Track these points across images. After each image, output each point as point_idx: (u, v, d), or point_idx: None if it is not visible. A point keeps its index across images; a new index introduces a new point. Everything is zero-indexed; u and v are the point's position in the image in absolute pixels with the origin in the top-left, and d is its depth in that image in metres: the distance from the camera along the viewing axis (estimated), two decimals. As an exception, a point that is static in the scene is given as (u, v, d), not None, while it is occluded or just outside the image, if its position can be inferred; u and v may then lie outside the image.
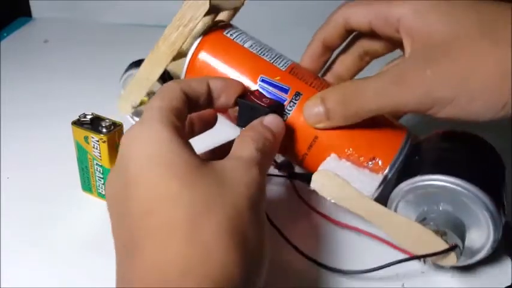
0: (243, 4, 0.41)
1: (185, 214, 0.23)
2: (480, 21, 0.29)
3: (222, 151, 0.35)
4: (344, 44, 0.38)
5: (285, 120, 0.33)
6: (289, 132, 0.34)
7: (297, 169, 0.39)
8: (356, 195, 0.32)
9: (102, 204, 0.37)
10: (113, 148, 0.36)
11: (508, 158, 0.34)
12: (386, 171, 0.33)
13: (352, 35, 0.37)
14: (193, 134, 0.36)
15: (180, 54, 0.37)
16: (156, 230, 0.23)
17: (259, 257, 0.24)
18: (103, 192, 0.39)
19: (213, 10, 0.36)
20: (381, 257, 0.31)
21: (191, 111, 0.31)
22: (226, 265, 0.22)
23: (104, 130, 0.36)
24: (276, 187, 0.41)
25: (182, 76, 0.36)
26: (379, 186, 0.32)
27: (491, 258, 0.33)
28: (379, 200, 0.32)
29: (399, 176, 0.33)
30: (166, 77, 0.42)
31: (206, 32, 0.36)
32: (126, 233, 0.24)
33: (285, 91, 0.34)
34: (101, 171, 0.38)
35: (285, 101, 0.34)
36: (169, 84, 0.30)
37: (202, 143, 0.35)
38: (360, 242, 0.35)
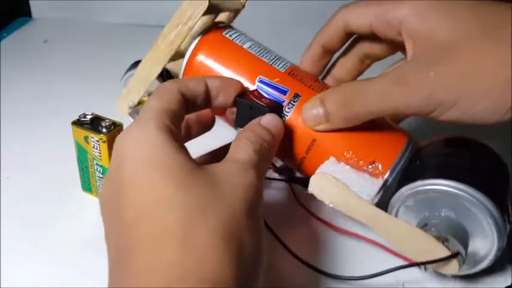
0: (243, 7, 0.41)
1: (179, 218, 0.23)
2: (482, 23, 0.29)
3: (219, 154, 0.34)
4: (344, 47, 0.38)
5: (283, 122, 0.33)
6: (287, 134, 0.33)
7: (297, 173, 0.39)
8: (355, 199, 0.31)
9: (102, 204, 0.37)
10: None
11: (508, 162, 0.34)
12: (387, 175, 0.32)
13: (352, 38, 0.37)
14: (191, 136, 0.35)
15: (179, 55, 0.37)
16: (150, 235, 0.22)
17: (256, 262, 0.24)
18: (103, 192, 0.39)
19: (213, 10, 0.36)
20: (381, 264, 0.31)
21: (189, 112, 0.31)
22: (221, 270, 0.22)
23: (104, 130, 0.36)
24: (274, 191, 0.41)
25: (180, 76, 0.36)
26: (379, 190, 0.32)
27: (493, 267, 0.32)
28: (379, 205, 0.32)
29: (400, 181, 0.32)
30: (165, 75, 0.42)
31: (205, 32, 0.35)
32: (119, 239, 0.24)
33: (284, 93, 0.34)
34: (101, 171, 0.38)
35: (283, 102, 0.33)
36: (166, 84, 0.30)
37: (199, 145, 0.35)
38: (360, 248, 0.35)
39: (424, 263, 0.30)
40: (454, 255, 0.29)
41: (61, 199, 0.40)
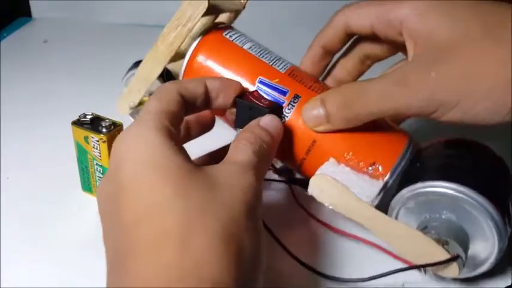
0: (244, 7, 0.41)
1: (178, 221, 0.22)
2: (483, 23, 0.29)
3: (219, 155, 0.34)
4: (345, 47, 0.37)
5: (283, 123, 0.33)
6: (287, 136, 0.33)
7: (297, 174, 0.38)
8: (355, 201, 0.31)
9: (102, 204, 0.37)
10: (113, 148, 0.36)
11: (509, 162, 0.33)
12: (387, 177, 0.32)
13: (353, 39, 0.37)
14: (190, 137, 0.35)
15: (179, 55, 0.37)
16: (149, 237, 0.22)
17: (255, 263, 0.24)
18: (103, 192, 0.39)
19: (212, 10, 0.35)
20: (380, 266, 0.31)
21: (188, 113, 0.31)
22: (220, 272, 0.22)
23: (104, 130, 0.36)
24: (274, 192, 0.41)
25: (180, 77, 0.36)
26: (379, 192, 0.32)
27: (493, 268, 0.31)
28: (379, 207, 0.32)
29: (400, 182, 0.32)
30: (165, 76, 0.42)
31: (205, 33, 0.35)
32: (117, 240, 0.24)
33: (284, 93, 0.34)
34: (101, 171, 0.38)
35: (283, 103, 0.33)
36: (166, 86, 0.30)
37: (199, 146, 0.35)
38: (359, 250, 0.35)
39: (424, 266, 0.30)
40: (454, 258, 0.29)
41: (61, 199, 0.40)
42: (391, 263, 0.31)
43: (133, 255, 0.22)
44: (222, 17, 0.41)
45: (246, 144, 0.28)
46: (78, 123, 0.37)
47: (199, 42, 0.35)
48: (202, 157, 0.36)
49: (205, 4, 0.34)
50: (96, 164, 0.37)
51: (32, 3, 0.80)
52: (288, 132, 0.33)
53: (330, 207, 0.32)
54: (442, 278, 0.32)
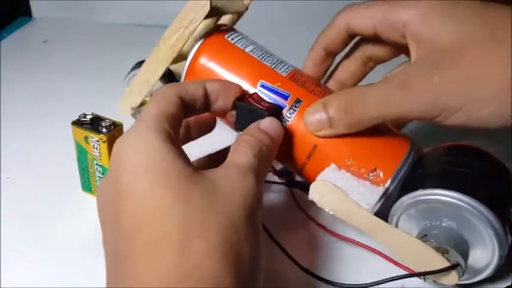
0: (246, 9, 0.40)
1: (178, 226, 0.22)
2: (486, 25, 0.29)
3: (219, 157, 0.34)
4: (347, 49, 0.37)
5: (284, 128, 0.33)
6: (288, 140, 0.33)
7: (297, 177, 0.38)
8: (355, 208, 0.31)
9: (102, 204, 0.37)
10: (113, 148, 0.36)
11: (510, 167, 0.33)
12: (388, 183, 0.32)
13: (355, 40, 0.37)
14: (191, 138, 0.35)
15: (181, 57, 0.37)
16: (149, 242, 0.22)
17: (255, 267, 0.24)
18: (103, 192, 0.39)
19: (214, 13, 0.35)
20: (379, 271, 0.31)
21: (188, 116, 0.30)
22: (220, 277, 0.22)
23: (104, 130, 0.36)
24: (274, 194, 0.41)
25: (182, 79, 0.36)
26: (380, 199, 0.32)
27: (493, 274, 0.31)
28: (379, 213, 0.31)
29: (401, 189, 0.32)
30: (167, 77, 0.42)
31: (207, 35, 0.35)
32: (117, 245, 0.24)
33: (285, 97, 0.33)
34: (101, 171, 0.38)
35: (284, 107, 0.33)
36: (165, 89, 0.29)
37: (199, 148, 0.35)
38: (359, 255, 0.35)
39: (423, 274, 0.30)
40: (453, 266, 0.29)
41: (61, 199, 0.40)
42: (391, 268, 0.31)
43: (133, 258, 0.22)
44: (225, 19, 0.41)
45: (246, 147, 0.28)
46: (78, 123, 0.37)
47: (201, 44, 0.35)
48: (202, 159, 0.36)
49: (207, 7, 0.34)
50: (96, 164, 0.37)
51: (32, 3, 0.80)
52: (289, 137, 0.33)
53: (331, 212, 0.32)
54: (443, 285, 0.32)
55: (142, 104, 0.41)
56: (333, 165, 0.33)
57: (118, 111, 0.40)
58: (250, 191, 0.25)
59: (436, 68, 0.29)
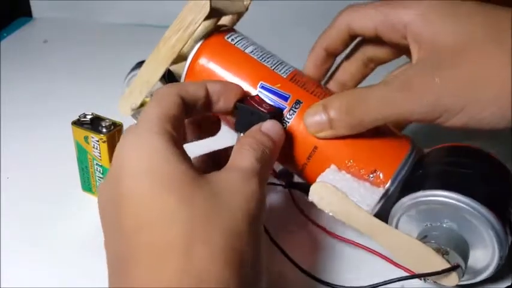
0: (246, 9, 0.40)
1: (182, 232, 0.22)
2: (488, 26, 0.29)
3: (219, 157, 0.34)
4: (348, 50, 0.37)
5: (284, 129, 0.33)
6: (289, 141, 0.33)
7: (296, 178, 0.38)
8: (355, 209, 0.31)
9: (102, 204, 0.37)
10: (113, 148, 0.36)
11: (509, 167, 0.33)
12: (388, 185, 0.32)
13: (356, 41, 0.37)
14: (194, 139, 0.35)
15: (181, 57, 0.37)
16: (152, 246, 0.22)
17: (257, 272, 0.24)
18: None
19: (214, 14, 0.35)
20: (380, 273, 0.31)
21: (188, 116, 0.30)
22: (223, 285, 0.22)
23: (104, 130, 0.36)
24: (274, 196, 0.41)
25: (182, 80, 0.36)
26: (380, 200, 0.32)
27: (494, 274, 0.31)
28: (380, 215, 0.31)
29: (401, 190, 0.32)
30: (167, 77, 0.42)
31: (207, 36, 0.35)
32: (119, 247, 0.24)
33: (285, 99, 0.33)
34: (101, 171, 0.38)
35: (284, 108, 0.33)
36: (166, 89, 0.29)
37: (199, 148, 0.35)
38: (359, 256, 0.34)
39: (423, 275, 0.30)
40: (454, 268, 0.29)
41: (61, 199, 0.40)
42: (391, 269, 0.31)
43: (135, 262, 0.22)
44: (225, 19, 0.41)
45: (248, 150, 0.28)
46: (78, 123, 0.37)
47: (201, 45, 0.35)
48: (201, 156, 0.35)
49: (207, 9, 0.34)
50: (96, 164, 0.37)
51: (32, 3, 0.80)
52: (289, 138, 0.33)
53: (330, 214, 0.32)
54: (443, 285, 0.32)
55: (142, 105, 0.41)
56: (333, 166, 0.33)
57: (118, 111, 0.40)
58: (253, 194, 0.25)
59: (437, 69, 0.29)
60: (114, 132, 0.36)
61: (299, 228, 0.38)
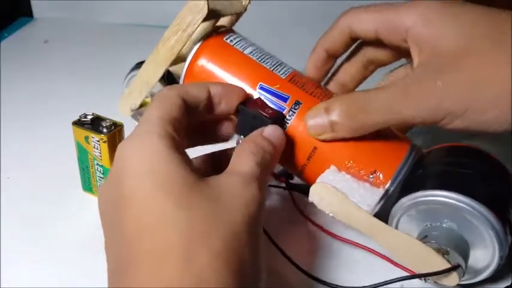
0: (245, 10, 0.40)
1: (181, 237, 0.22)
2: (489, 30, 0.29)
3: (219, 157, 0.34)
4: (348, 52, 0.37)
5: (284, 130, 0.33)
6: (288, 142, 0.33)
7: (296, 179, 0.38)
8: (355, 209, 0.31)
9: (102, 204, 0.37)
10: (114, 148, 0.36)
11: (509, 167, 0.33)
12: (388, 185, 0.32)
13: (357, 43, 0.37)
14: (203, 143, 0.35)
15: (180, 58, 0.37)
16: (150, 252, 0.22)
17: (256, 277, 0.24)
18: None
19: (212, 15, 0.35)
20: (380, 273, 0.31)
21: (190, 118, 0.30)
22: (222, 285, 0.22)
23: (105, 130, 0.36)
24: (273, 197, 0.41)
25: (181, 81, 0.36)
26: (380, 200, 0.32)
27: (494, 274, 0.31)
28: (379, 215, 0.31)
29: (401, 190, 0.32)
30: (167, 78, 0.42)
31: (206, 37, 0.35)
32: (118, 251, 0.24)
33: (284, 100, 0.33)
34: (102, 171, 0.38)
35: (284, 109, 0.33)
36: (167, 91, 0.29)
37: (198, 147, 0.35)
38: (359, 257, 0.35)
39: (424, 275, 0.30)
40: (454, 268, 0.29)
41: (61, 199, 0.40)
42: (391, 269, 0.31)
43: (136, 266, 0.22)
44: (223, 20, 0.41)
45: (249, 155, 0.28)
46: (78, 123, 0.37)
47: (200, 46, 0.35)
48: (202, 156, 0.35)
49: (205, 10, 0.34)
50: (97, 164, 0.38)
51: (33, 4, 0.80)
52: (289, 139, 0.33)
53: (330, 214, 0.32)
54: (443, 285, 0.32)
55: (142, 105, 0.41)
56: (332, 167, 0.33)
57: (118, 111, 0.40)
58: (253, 199, 0.25)
59: (439, 72, 0.29)
60: (114, 133, 0.36)
61: (299, 229, 0.38)
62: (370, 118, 0.30)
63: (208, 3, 0.33)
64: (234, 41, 0.35)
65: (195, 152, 0.34)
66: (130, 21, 0.77)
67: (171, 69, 0.41)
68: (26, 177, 0.42)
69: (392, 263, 0.32)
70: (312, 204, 0.33)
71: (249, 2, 0.40)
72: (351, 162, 0.32)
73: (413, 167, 0.33)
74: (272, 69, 0.35)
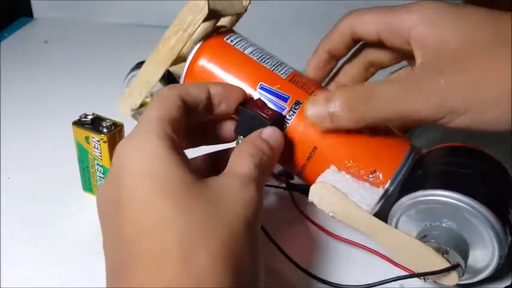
0: (245, 10, 0.40)
1: (179, 239, 0.22)
2: (491, 31, 0.29)
3: (218, 157, 0.34)
4: (349, 53, 0.37)
5: (284, 129, 0.33)
6: (288, 142, 0.33)
7: (296, 179, 0.38)
8: (355, 209, 0.31)
9: (102, 204, 0.37)
10: (114, 148, 0.36)
11: (508, 167, 0.33)
12: (387, 185, 0.32)
13: (358, 45, 0.37)
14: (205, 143, 0.35)
15: (181, 58, 0.37)
16: (149, 254, 0.22)
17: (254, 277, 0.24)
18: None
19: (213, 16, 0.35)
20: (379, 272, 0.31)
21: (190, 119, 0.30)
22: (220, 285, 0.22)
23: (105, 130, 0.36)
24: (273, 196, 0.41)
25: (181, 81, 0.36)
26: (379, 200, 0.32)
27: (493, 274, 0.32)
28: (379, 215, 0.31)
29: (401, 190, 0.32)
30: (167, 78, 0.42)
31: (206, 37, 0.35)
32: (118, 253, 0.24)
33: (285, 100, 0.33)
34: (102, 171, 0.38)
35: (284, 109, 0.33)
36: (167, 90, 0.29)
37: (198, 148, 0.35)
38: (359, 256, 0.35)
39: (423, 275, 0.30)
40: (453, 267, 0.29)
41: (61, 199, 0.40)
42: (390, 269, 0.31)
43: (135, 267, 0.22)
44: (224, 20, 0.41)
45: (247, 156, 0.28)
46: (79, 123, 0.37)
47: (200, 46, 0.35)
48: (203, 156, 0.36)
49: (205, 10, 0.34)
50: (97, 164, 0.38)
51: (33, 4, 0.80)
52: (289, 139, 0.33)
53: (330, 214, 0.32)
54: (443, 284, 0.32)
55: (142, 105, 0.41)
56: (332, 167, 0.33)
57: (118, 111, 0.40)
58: (251, 200, 0.25)
59: (442, 71, 0.29)
60: (114, 133, 0.36)
61: (298, 228, 0.38)
62: (371, 111, 0.30)
63: (208, 3, 0.33)
64: (235, 41, 0.36)
65: (197, 152, 0.34)
66: (130, 21, 0.77)
67: (172, 69, 0.41)
68: (26, 177, 0.42)
69: (391, 263, 0.32)
70: (312, 204, 0.33)
71: (249, 3, 0.40)
72: (351, 162, 0.32)
73: (413, 167, 0.33)
74: (272, 69, 0.35)
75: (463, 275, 0.30)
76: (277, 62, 0.35)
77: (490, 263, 0.30)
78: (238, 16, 0.41)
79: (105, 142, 0.36)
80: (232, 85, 0.33)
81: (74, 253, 0.35)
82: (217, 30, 0.36)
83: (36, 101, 0.55)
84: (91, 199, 0.39)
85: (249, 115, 0.32)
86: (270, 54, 0.36)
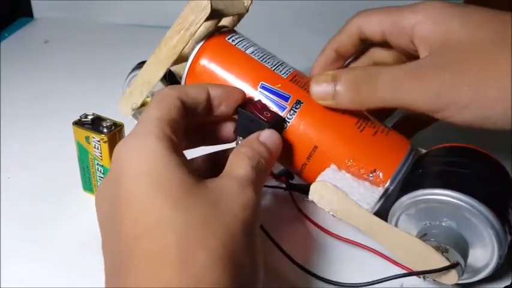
0: (247, 11, 0.40)
1: (178, 239, 0.23)
2: (495, 29, 0.29)
3: (218, 157, 0.34)
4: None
5: (285, 129, 0.33)
6: (289, 141, 0.33)
7: (296, 179, 0.38)
8: (355, 208, 0.31)
9: (102, 204, 0.37)
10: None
11: (509, 169, 0.33)
12: (387, 184, 0.32)
13: (364, 45, 0.37)
14: (205, 144, 0.35)
15: (182, 58, 0.37)
16: (148, 255, 0.22)
17: (253, 278, 0.24)
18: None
19: (215, 15, 0.35)
20: (379, 271, 0.31)
21: (189, 119, 0.30)
22: (218, 285, 0.22)
23: (105, 130, 0.36)
24: (273, 196, 0.41)
25: (182, 81, 0.36)
26: (380, 199, 0.32)
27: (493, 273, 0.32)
28: (379, 213, 0.32)
29: (401, 189, 0.32)
30: (168, 78, 0.42)
31: (208, 37, 0.35)
32: (116, 253, 0.24)
33: (285, 99, 0.34)
34: (102, 171, 0.38)
35: (285, 109, 0.33)
36: (166, 91, 0.29)
37: (199, 147, 0.35)
38: (358, 255, 0.35)
39: (423, 273, 0.30)
40: (453, 265, 0.29)
41: (61, 199, 0.40)
42: (390, 268, 0.31)
43: (133, 267, 0.22)
44: (225, 20, 0.41)
45: (244, 159, 0.28)
46: (79, 123, 0.37)
47: (201, 46, 0.35)
48: (203, 156, 0.36)
49: (208, 10, 0.34)
50: (97, 164, 0.38)
51: (33, 4, 0.80)
52: (289, 138, 0.33)
53: (330, 213, 0.32)
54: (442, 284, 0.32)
55: (143, 105, 0.41)
56: (333, 166, 0.33)
57: (119, 111, 0.40)
58: (249, 202, 0.26)
59: (447, 64, 0.29)
60: (115, 133, 0.36)
61: (298, 227, 0.38)
62: (373, 93, 0.31)
63: (211, 3, 0.34)
64: (236, 41, 0.36)
65: (197, 152, 0.34)
66: (130, 22, 0.77)
67: (173, 68, 0.41)
68: (26, 177, 0.42)
69: (391, 261, 0.32)
70: (312, 203, 0.33)
71: (251, 3, 0.40)
72: (351, 161, 0.33)
73: (413, 166, 0.33)
74: (273, 68, 0.35)
75: (462, 274, 0.30)
76: (278, 62, 0.35)
77: (490, 262, 0.30)
78: (239, 17, 0.41)
79: (105, 142, 0.36)
80: (232, 87, 0.33)
81: (74, 253, 0.35)
82: (219, 30, 0.36)
83: (36, 101, 0.55)
84: (91, 199, 0.39)
85: (248, 117, 0.32)
86: (271, 54, 0.36)
